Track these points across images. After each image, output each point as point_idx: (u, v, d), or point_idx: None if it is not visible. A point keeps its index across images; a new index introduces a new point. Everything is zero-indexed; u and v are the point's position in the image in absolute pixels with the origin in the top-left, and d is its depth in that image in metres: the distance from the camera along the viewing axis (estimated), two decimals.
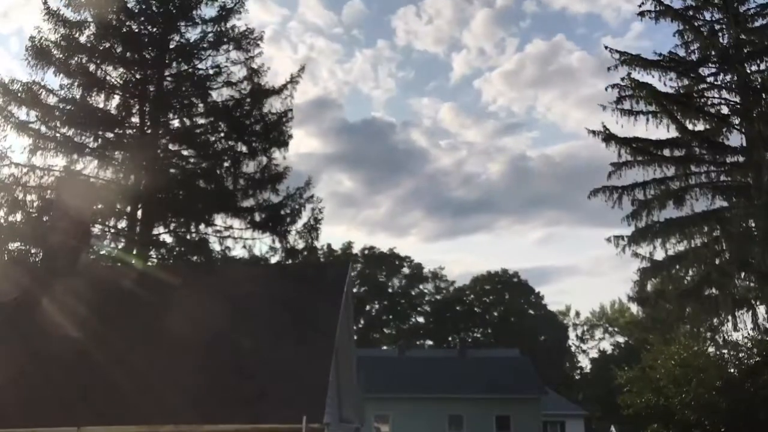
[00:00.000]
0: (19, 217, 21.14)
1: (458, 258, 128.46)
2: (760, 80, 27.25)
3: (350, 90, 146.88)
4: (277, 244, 22.74)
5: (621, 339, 73.91)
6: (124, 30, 23.06)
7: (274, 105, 23.58)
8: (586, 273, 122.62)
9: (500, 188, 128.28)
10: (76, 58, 22.47)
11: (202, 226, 22.84)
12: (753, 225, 26.45)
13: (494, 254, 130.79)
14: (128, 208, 22.58)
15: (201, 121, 23.67)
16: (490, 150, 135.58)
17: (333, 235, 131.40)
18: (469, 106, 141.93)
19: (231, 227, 22.87)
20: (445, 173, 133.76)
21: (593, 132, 27.39)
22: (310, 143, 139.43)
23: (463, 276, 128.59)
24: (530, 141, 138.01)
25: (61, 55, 22.25)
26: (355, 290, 67.57)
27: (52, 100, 22.12)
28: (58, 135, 22.06)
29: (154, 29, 23.57)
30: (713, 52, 28.12)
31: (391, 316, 79.00)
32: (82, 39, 22.68)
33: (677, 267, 27.01)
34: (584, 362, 79.87)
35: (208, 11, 23.88)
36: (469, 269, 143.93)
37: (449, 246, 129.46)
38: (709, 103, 27.91)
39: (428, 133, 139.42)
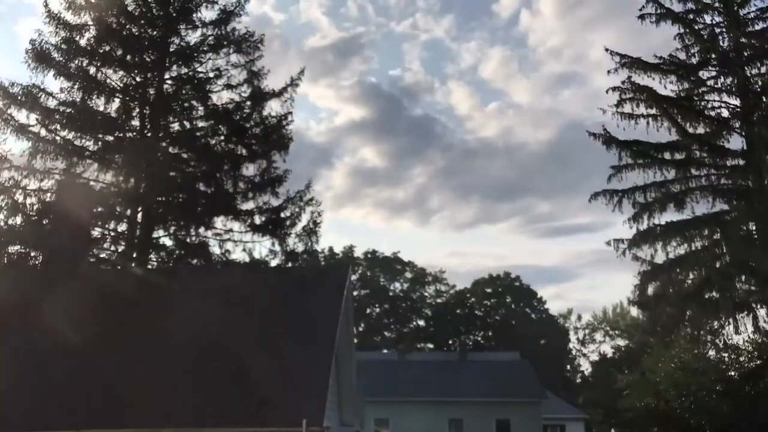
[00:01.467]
0: (19, 220, 21.16)
1: (485, 251, 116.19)
2: (760, 83, 27.27)
3: (383, 34, 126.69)
4: (277, 247, 22.75)
5: (622, 342, 73.83)
6: (125, 33, 23.08)
7: (274, 108, 23.62)
8: (615, 267, 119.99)
9: (540, 165, 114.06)
10: (76, 61, 22.49)
11: (201, 229, 22.83)
12: (753, 228, 26.44)
13: (524, 247, 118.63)
14: (128, 211, 22.59)
15: (201, 124, 23.68)
16: (536, 113, 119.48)
17: (351, 219, 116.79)
18: (515, 51, 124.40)
19: (231, 230, 22.89)
20: (482, 144, 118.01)
21: (594, 135, 27.38)
22: (329, 105, 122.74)
23: (487, 271, 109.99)
24: (581, 99, 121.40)
25: (61, 58, 22.27)
26: (356, 293, 67.57)
27: (52, 103, 22.15)
28: (58, 138, 22.07)
29: (155, 32, 23.59)
30: (713, 56, 28.12)
31: (391, 320, 78.94)
32: (83, 42, 22.72)
33: (678, 270, 26.96)
34: (585, 365, 79.86)
35: (209, 14, 23.93)
36: (499, 263, 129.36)
37: (477, 235, 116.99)
38: (710, 106, 27.90)
39: (468, 90, 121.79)
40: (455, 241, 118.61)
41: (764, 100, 27.37)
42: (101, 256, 22.61)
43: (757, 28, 27.92)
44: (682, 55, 28.38)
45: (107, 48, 22.89)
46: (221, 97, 23.59)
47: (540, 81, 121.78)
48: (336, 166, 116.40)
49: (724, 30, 28.12)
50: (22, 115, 21.72)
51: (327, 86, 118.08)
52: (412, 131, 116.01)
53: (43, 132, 21.95)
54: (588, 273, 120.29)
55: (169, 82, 23.61)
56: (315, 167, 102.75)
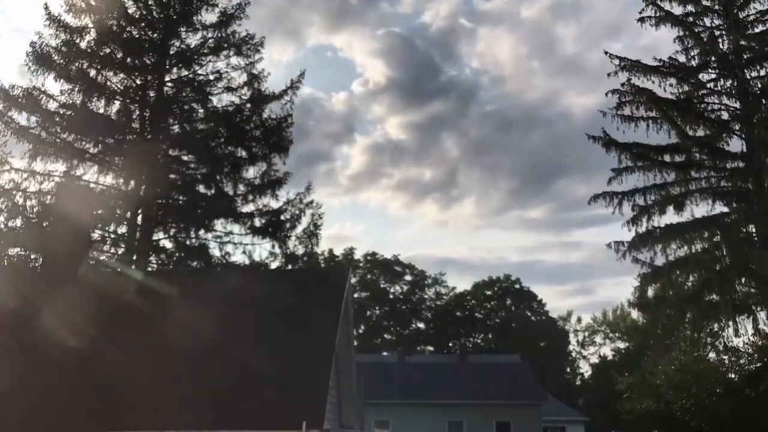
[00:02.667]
0: (19, 222, 21.19)
1: (511, 244, 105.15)
2: (759, 86, 27.27)
3: None
4: (277, 250, 22.81)
5: (622, 345, 73.78)
6: (125, 36, 23.11)
7: (274, 110, 23.66)
8: None
9: (582, 140, 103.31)
10: (76, 64, 22.52)
11: (202, 232, 22.86)
12: (753, 230, 26.44)
13: (554, 238, 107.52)
14: (128, 214, 22.60)
15: (201, 126, 23.72)
16: (583, 72, 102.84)
17: (368, 204, 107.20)
18: None
19: (231, 232, 22.93)
20: (522, 112, 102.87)
21: (593, 138, 27.38)
22: (352, 60, 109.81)
23: (510, 267, 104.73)
24: (633, 55, 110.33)
25: (61, 61, 22.31)
26: (356, 296, 67.52)
27: (52, 105, 22.19)
28: (58, 140, 22.10)
29: (155, 35, 23.62)
30: (713, 58, 28.14)
31: (391, 322, 78.88)
32: (83, 44, 22.76)
33: (678, 272, 26.97)
34: (585, 368, 79.82)
35: (209, 17, 23.97)
36: (524, 258, 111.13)
37: (505, 223, 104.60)
38: (709, 108, 27.94)
39: (510, 41, 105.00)
40: (481, 230, 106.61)
41: (764, 102, 27.38)
42: (101, 258, 22.64)
43: (756, 30, 27.96)
44: (681, 58, 28.44)
45: (107, 50, 22.93)
46: (221, 99, 23.68)
47: (590, 29, 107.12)
48: (356, 140, 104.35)
49: (723, 33, 28.15)
50: (22, 118, 21.81)
51: (350, 35, 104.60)
52: (444, 96, 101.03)
53: (44, 134, 21.99)
54: (618, 268, 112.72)
55: (169, 84, 23.63)
56: (333, 142, 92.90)
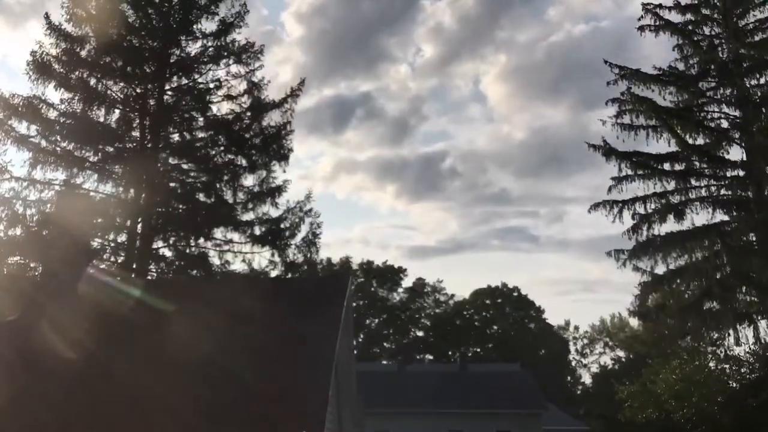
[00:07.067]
0: (18, 231, 21.15)
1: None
2: (759, 94, 27.27)
3: None
4: (277, 258, 22.76)
5: (621, 353, 73.63)
6: (125, 44, 23.13)
7: (273, 118, 23.66)
8: None
9: None
10: (77, 73, 22.56)
11: (201, 240, 22.83)
12: (753, 239, 26.40)
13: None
14: (128, 222, 22.58)
15: (201, 134, 23.74)
16: None
17: (454, 93, 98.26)
18: None
19: (230, 241, 22.89)
20: None
21: (593, 146, 27.36)
22: None
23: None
24: None
25: (62, 70, 22.34)
26: (354, 304, 67.33)
27: (52, 114, 22.21)
28: (58, 149, 22.11)
29: (155, 44, 23.65)
30: (713, 67, 28.15)
31: (391, 331, 78.72)
32: (83, 53, 22.79)
33: (678, 281, 26.89)
34: (585, 377, 79.67)
35: (209, 25, 23.98)
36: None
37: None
38: (709, 117, 27.90)
39: None
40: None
41: (764, 110, 27.35)
42: (101, 267, 22.59)
43: (756, 39, 27.97)
44: (681, 66, 28.45)
45: (108, 59, 22.95)
46: (221, 107, 23.69)
47: None
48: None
49: (723, 41, 28.18)
50: (22, 126, 21.81)
51: None
52: None
53: (44, 143, 22.01)
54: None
55: (169, 93, 23.65)
56: None
